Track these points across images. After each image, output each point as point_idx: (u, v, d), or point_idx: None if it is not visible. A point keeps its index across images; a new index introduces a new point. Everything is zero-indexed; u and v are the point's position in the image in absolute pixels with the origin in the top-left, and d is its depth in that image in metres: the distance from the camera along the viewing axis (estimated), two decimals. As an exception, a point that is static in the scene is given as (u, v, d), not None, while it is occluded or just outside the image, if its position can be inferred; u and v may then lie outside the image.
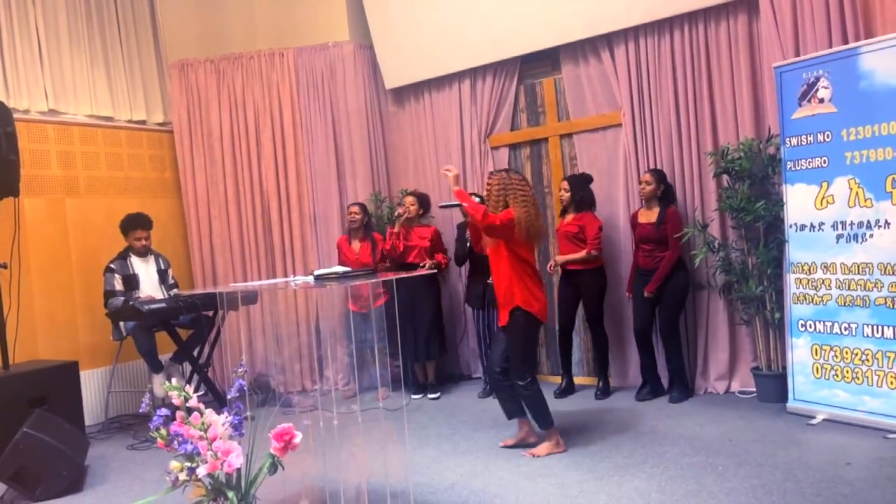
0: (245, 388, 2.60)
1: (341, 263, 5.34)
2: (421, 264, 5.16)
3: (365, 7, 5.98)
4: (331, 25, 6.04)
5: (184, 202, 6.09)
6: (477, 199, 4.19)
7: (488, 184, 3.75)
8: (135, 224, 5.04)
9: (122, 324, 4.89)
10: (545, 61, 5.46)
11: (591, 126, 5.26)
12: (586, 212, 4.86)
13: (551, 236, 5.42)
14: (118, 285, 4.87)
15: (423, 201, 5.45)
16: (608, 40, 5.04)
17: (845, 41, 3.98)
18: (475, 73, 5.68)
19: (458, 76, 5.75)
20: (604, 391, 4.91)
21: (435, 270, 5.14)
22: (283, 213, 6.03)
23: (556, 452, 3.74)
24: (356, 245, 5.44)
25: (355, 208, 5.47)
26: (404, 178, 6.17)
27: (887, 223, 3.73)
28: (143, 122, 5.95)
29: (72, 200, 5.38)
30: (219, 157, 6.03)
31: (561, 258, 4.88)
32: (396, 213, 5.23)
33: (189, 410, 2.36)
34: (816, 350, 4.04)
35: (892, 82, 3.66)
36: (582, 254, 4.79)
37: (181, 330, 4.98)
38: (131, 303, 4.68)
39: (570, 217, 4.91)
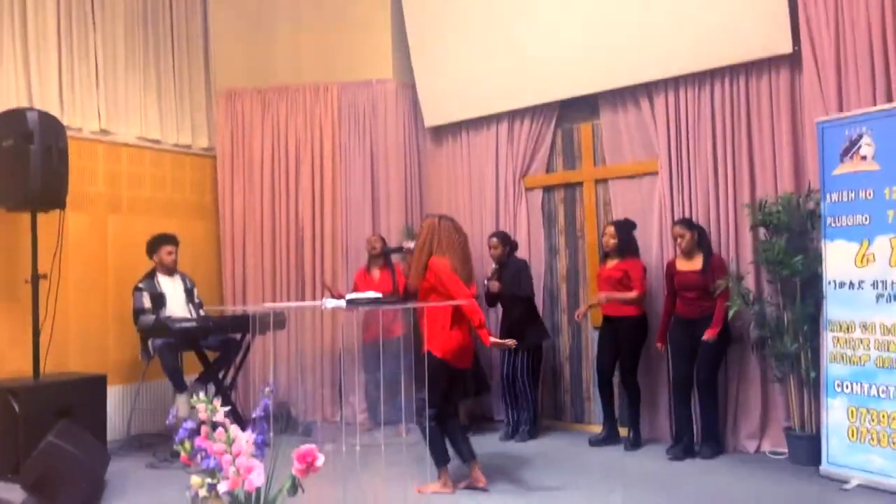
0: (270, 409, 2.59)
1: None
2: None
3: (410, 47, 6.12)
4: (375, 63, 6.19)
5: (221, 226, 6.21)
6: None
7: (421, 227, 3.92)
8: (163, 240, 5.14)
9: (150, 343, 4.95)
10: (584, 107, 5.51)
11: (626, 172, 5.27)
12: (631, 257, 4.83)
13: (589, 281, 5.38)
14: (147, 303, 4.95)
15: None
16: (648, 89, 5.08)
17: (889, 99, 3.96)
18: (514, 115, 5.75)
19: (496, 117, 5.83)
20: (634, 443, 4.79)
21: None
22: (316, 243, 6.10)
23: (443, 492, 3.74)
24: (376, 273, 5.48)
25: (374, 237, 5.58)
26: (438, 215, 6.21)
27: (930, 285, 3.64)
28: (189, 147, 6.12)
29: (114, 218, 5.52)
30: (258, 183, 6.16)
31: (605, 294, 4.79)
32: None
33: (214, 425, 2.36)
34: (852, 412, 3.91)
35: (937, 142, 3.61)
36: (631, 294, 4.73)
37: (208, 352, 5.02)
38: (162, 319, 4.74)
39: (613, 262, 4.87)
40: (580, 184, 5.55)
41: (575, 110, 5.57)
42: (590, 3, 5.16)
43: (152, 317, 4.87)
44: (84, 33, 5.38)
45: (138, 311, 4.93)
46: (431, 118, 6.16)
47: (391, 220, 6.06)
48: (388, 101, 6.12)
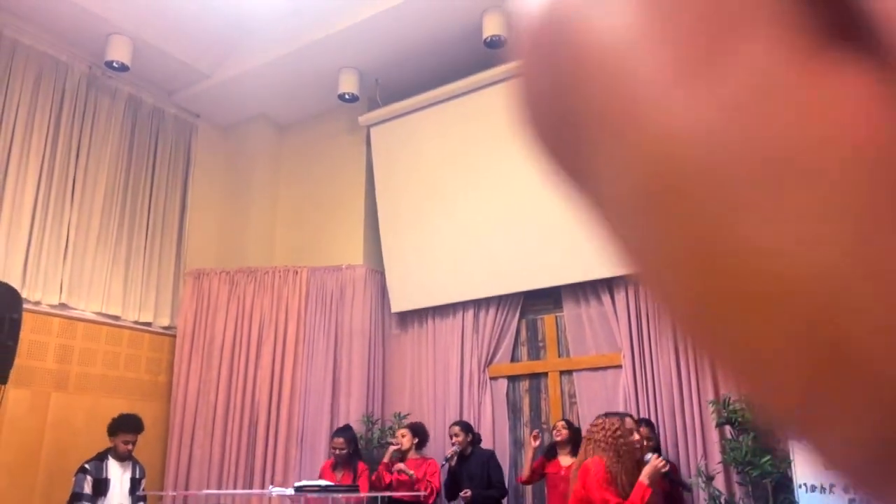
0: None
1: None
2: (395, 468, 4.81)
3: (381, 236, 6.33)
4: (347, 249, 6.36)
5: (171, 407, 5.92)
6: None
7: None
8: (127, 426, 4.82)
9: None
10: (547, 299, 5.63)
11: (590, 365, 5.27)
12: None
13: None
14: (87, 488, 4.55)
15: (418, 432, 5.08)
16: (608, 284, 5.25)
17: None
18: (479, 305, 5.84)
19: (462, 306, 5.90)
20: None
21: (400, 468, 4.76)
22: (270, 428, 5.82)
23: None
24: (339, 474, 5.14)
25: (339, 441, 5.06)
26: (399, 402, 6.04)
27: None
28: (149, 324, 6.02)
29: (57, 395, 5.24)
30: (216, 363, 5.99)
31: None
32: (391, 451, 5.01)
33: None
34: None
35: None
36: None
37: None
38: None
39: (570, 459, 4.66)
40: (545, 374, 5.51)
41: (539, 301, 5.69)
42: (551, 204, 5.47)
43: (86, 504, 4.46)
44: (61, 205, 5.50)
45: (75, 496, 4.51)
46: (398, 304, 6.22)
47: (351, 405, 5.86)
48: (357, 285, 6.20)
